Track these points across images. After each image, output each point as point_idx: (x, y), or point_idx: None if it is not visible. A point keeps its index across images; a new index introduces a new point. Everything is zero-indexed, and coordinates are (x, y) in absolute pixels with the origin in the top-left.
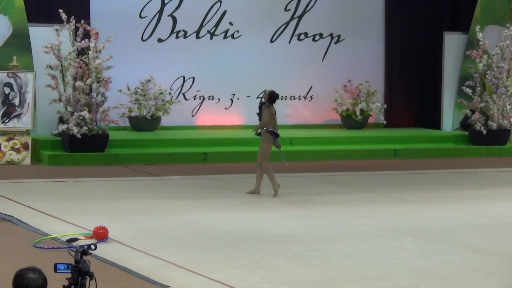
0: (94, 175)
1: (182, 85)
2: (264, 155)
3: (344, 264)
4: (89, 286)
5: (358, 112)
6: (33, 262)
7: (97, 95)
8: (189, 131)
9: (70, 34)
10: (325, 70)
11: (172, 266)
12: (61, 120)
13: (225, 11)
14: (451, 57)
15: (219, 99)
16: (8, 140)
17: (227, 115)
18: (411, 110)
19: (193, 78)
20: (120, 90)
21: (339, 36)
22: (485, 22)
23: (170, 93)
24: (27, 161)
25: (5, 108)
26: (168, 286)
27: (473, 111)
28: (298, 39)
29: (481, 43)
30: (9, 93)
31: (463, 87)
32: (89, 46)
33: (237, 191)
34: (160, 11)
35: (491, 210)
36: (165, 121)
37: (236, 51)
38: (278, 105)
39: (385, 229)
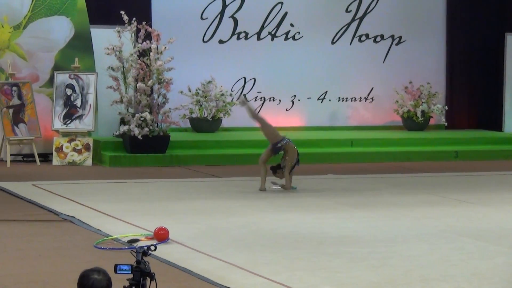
0: (155, 176)
1: (243, 87)
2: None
3: (405, 266)
4: (149, 287)
5: (419, 114)
6: (94, 262)
7: (158, 97)
8: (250, 133)
9: (131, 36)
10: (386, 71)
11: (232, 267)
12: (123, 121)
13: (286, 13)
14: None
15: (280, 100)
16: (70, 141)
17: (288, 117)
18: (473, 112)
19: (254, 79)
20: (181, 92)
21: (400, 37)
22: None
23: (231, 95)
24: (89, 162)
25: (67, 109)
26: (228, 287)
27: None
28: (359, 40)
29: None
30: (71, 94)
31: None
32: (150, 47)
33: (296, 193)
34: (221, 13)
35: None
36: (226, 122)
37: (297, 52)
38: (339, 106)
39: (446, 231)
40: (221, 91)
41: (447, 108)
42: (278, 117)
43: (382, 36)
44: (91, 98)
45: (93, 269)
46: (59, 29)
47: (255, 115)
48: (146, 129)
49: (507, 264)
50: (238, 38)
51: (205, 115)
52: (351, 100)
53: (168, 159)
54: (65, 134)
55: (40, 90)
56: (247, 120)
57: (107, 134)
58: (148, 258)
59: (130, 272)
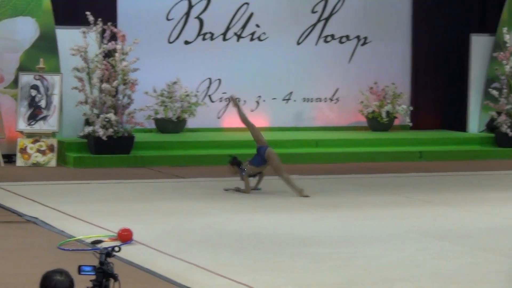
0: (120, 177)
1: (208, 87)
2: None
3: (368, 267)
4: None
5: (384, 114)
6: (58, 264)
7: (123, 97)
8: (214, 133)
9: (97, 36)
10: (352, 72)
11: (196, 268)
12: (87, 122)
13: (252, 13)
14: (478, 59)
15: (245, 101)
16: (34, 142)
17: (253, 117)
18: (437, 112)
19: (219, 80)
20: (146, 92)
21: (365, 38)
22: None
23: (196, 95)
24: (53, 163)
25: (32, 110)
26: None
27: (499, 113)
28: (325, 41)
29: (508, 45)
30: (35, 95)
31: (490, 89)
32: (115, 48)
33: (260, 194)
34: (187, 13)
35: None
36: (191, 123)
37: (262, 53)
38: (304, 107)
39: (409, 231)
40: (186, 92)
41: (412, 108)
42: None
43: (347, 37)
44: (55, 99)
45: (55, 271)
46: (24, 30)
47: (244, 118)
48: (111, 130)
49: (470, 265)
50: (204, 39)
51: (170, 116)
52: (316, 101)
53: (132, 160)
54: (29, 135)
55: (5, 91)
56: (212, 120)
57: (71, 135)
58: (112, 259)
59: (93, 273)
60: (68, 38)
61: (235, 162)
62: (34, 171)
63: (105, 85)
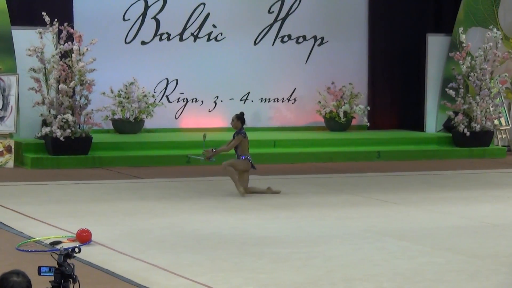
0: (78, 178)
1: (166, 88)
2: (234, 165)
3: (328, 266)
4: None
5: (341, 114)
6: (16, 265)
7: (80, 98)
8: (172, 134)
9: (53, 37)
10: (309, 72)
11: (155, 268)
12: (44, 123)
13: (208, 14)
14: (434, 59)
15: (202, 101)
16: None
17: (211, 118)
18: (395, 112)
19: (177, 80)
20: (104, 93)
21: (322, 38)
22: (468, 24)
23: (153, 96)
24: (10, 164)
25: None
26: None
27: (456, 113)
28: (282, 41)
29: (464, 45)
30: None
31: (447, 89)
32: (72, 49)
33: (219, 194)
34: (144, 14)
35: (474, 212)
36: (148, 123)
37: (219, 53)
38: (261, 107)
39: (368, 231)
40: (143, 93)
41: (369, 108)
42: (200, 118)
43: (304, 37)
44: (12, 100)
45: (12, 272)
46: None
47: (229, 148)
48: (68, 130)
49: (429, 264)
50: (161, 39)
51: (128, 117)
52: (274, 101)
53: (90, 161)
54: None
55: None
56: (170, 121)
57: (29, 135)
58: (73, 260)
59: (52, 274)
60: (24, 38)
61: (241, 118)
62: None
63: (62, 86)
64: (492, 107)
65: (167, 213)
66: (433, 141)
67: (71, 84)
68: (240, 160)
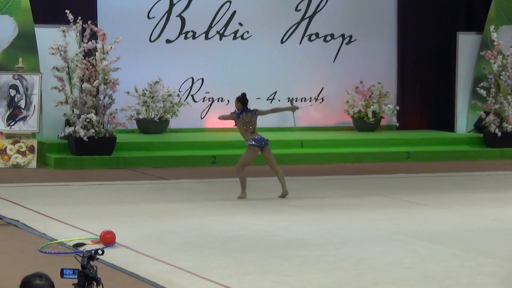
0: (101, 179)
1: (191, 87)
2: (244, 164)
3: (357, 269)
4: None
5: (370, 114)
6: (39, 267)
7: (104, 97)
8: (198, 134)
9: (76, 35)
10: (337, 71)
11: (180, 271)
12: (68, 123)
13: (234, 12)
14: (465, 57)
15: (228, 101)
16: (13, 143)
17: None
18: (424, 112)
19: (202, 79)
20: (128, 92)
21: (350, 36)
22: (499, 22)
23: (178, 95)
24: (33, 164)
25: (11, 110)
26: None
27: (487, 113)
28: (309, 39)
29: (495, 43)
30: (14, 95)
31: (477, 88)
32: (96, 47)
33: (247, 195)
34: (169, 12)
35: (507, 214)
36: (173, 123)
37: (245, 52)
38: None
39: (398, 233)
40: (168, 92)
41: (398, 108)
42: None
43: (332, 35)
44: (35, 99)
45: (35, 274)
46: (3, 29)
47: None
48: (92, 130)
49: (460, 267)
50: (186, 38)
51: (152, 116)
52: (301, 101)
53: (114, 161)
54: (8, 136)
55: None
56: (195, 121)
57: (52, 135)
58: (96, 262)
59: (75, 276)
60: (48, 37)
61: (243, 100)
62: (14, 172)
63: (85, 85)
64: None
65: (192, 215)
66: (464, 141)
67: (95, 83)
68: (245, 153)
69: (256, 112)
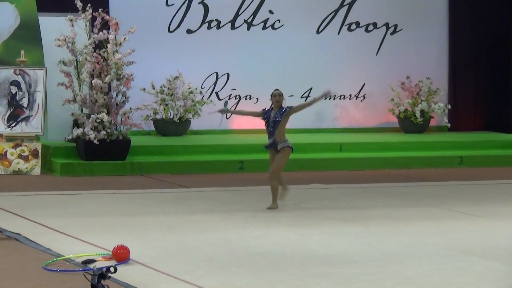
0: (114, 187)
1: (215, 83)
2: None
3: None
4: None
5: (418, 114)
6: (44, 287)
7: (117, 95)
8: (223, 136)
9: (86, 25)
10: (380, 65)
11: None
12: (76, 124)
13: None
14: None
15: (257, 98)
16: (15, 147)
17: None
18: (479, 111)
19: (228, 74)
20: (144, 89)
21: (395, 26)
22: None
23: (201, 92)
24: (37, 170)
25: (12, 110)
26: None
27: None
28: (349, 29)
29: None
30: (16, 92)
31: None
32: (108, 38)
33: (278, 205)
34: None
35: None
36: (195, 124)
37: (277, 43)
38: (326, 106)
39: (449, 248)
40: (189, 88)
41: (450, 107)
42: (255, 118)
43: (375, 25)
44: (39, 97)
45: None
46: (3, 18)
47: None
48: (103, 132)
49: None
50: (209, 27)
51: (171, 116)
52: (340, 99)
53: (128, 167)
54: (9, 139)
55: None
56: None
57: (58, 138)
58: (107, 281)
59: None
60: (53, 26)
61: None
62: (16, 180)
63: (96, 81)
64: None
65: (217, 228)
66: None
67: (107, 79)
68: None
69: (286, 110)
